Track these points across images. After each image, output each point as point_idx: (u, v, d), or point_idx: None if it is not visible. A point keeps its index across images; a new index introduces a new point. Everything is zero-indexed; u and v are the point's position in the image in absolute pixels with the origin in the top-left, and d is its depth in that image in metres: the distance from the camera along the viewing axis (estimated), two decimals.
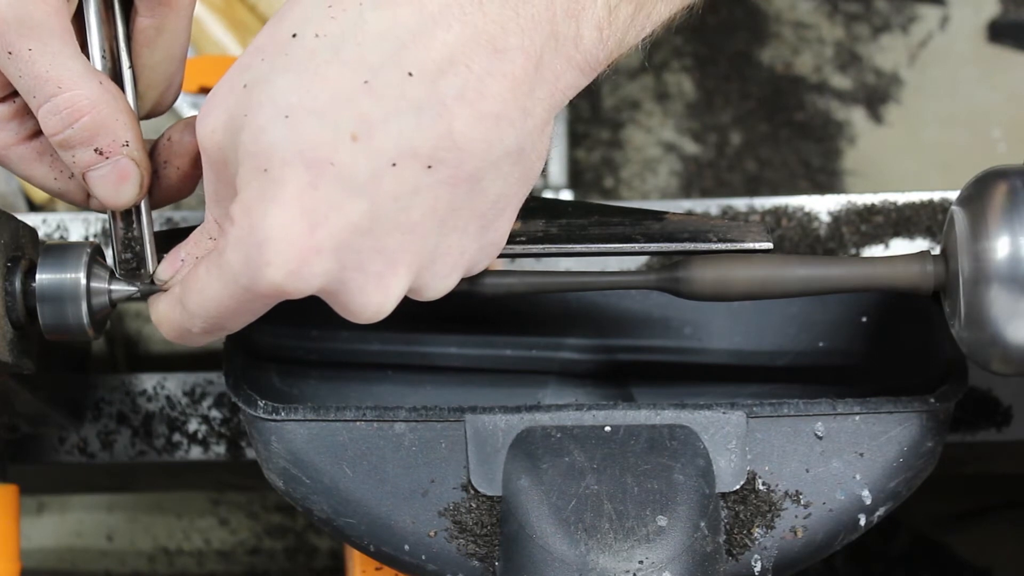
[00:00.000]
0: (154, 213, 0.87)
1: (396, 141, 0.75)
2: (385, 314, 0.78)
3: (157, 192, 0.87)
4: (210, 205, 0.81)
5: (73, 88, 0.81)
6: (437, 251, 0.79)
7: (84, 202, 0.88)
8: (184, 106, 1.38)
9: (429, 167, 0.75)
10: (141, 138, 0.84)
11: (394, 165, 0.75)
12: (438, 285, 0.80)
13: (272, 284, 0.75)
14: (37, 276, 0.88)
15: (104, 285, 0.88)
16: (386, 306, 0.78)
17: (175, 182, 0.87)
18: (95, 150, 0.83)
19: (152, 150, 0.86)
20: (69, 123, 0.82)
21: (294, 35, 0.76)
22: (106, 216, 1.15)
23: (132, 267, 0.87)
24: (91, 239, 1.17)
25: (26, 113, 0.85)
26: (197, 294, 0.80)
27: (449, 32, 0.75)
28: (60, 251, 0.88)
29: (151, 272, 0.86)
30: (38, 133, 0.85)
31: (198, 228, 0.84)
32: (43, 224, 1.17)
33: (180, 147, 0.86)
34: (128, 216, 0.86)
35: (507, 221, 0.81)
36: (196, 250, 0.84)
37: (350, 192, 0.74)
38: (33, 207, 1.48)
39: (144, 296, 0.87)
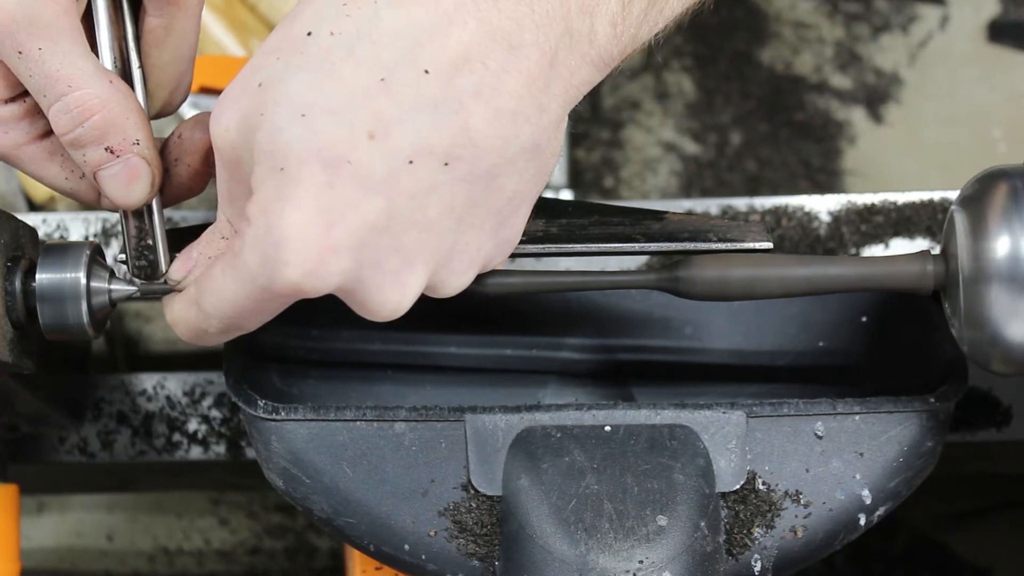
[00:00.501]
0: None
1: (413, 139, 0.75)
2: (402, 312, 0.78)
3: (168, 190, 0.87)
4: (223, 204, 0.81)
5: (83, 87, 0.81)
6: (454, 248, 0.79)
7: (95, 201, 0.87)
8: (184, 106, 1.38)
9: (446, 164, 0.75)
10: (152, 136, 0.84)
11: (411, 163, 0.75)
12: (454, 282, 0.80)
13: (290, 284, 0.75)
14: (37, 276, 0.88)
15: (104, 285, 0.88)
16: (403, 304, 0.78)
17: (186, 180, 0.87)
18: (106, 149, 0.83)
19: (163, 148, 0.86)
20: (80, 122, 0.82)
21: (309, 34, 0.76)
22: (107, 216, 1.16)
23: (148, 273, 0.87)
24: (91, 239, 1.17)
25: (37, 113, 0.85)
26: (213, 295, 0.80)
27: (464, 29, 0.75)
28: (60, 251, 0.88)
29: (164, 272, 0.86)
30: (49, 133, 0.85)
31: (210, 227, 0.84)
32: (43, 224, 1.17)
33: (191, 144, 0.86)
34: (139, 215, 0.86)
35: (522, 218, 0.81)
36: (208, 250, 0.84)
37: (367, 190, 0.74)
38: (33, 207, 1.48)
39: (144, 296, 0.87)
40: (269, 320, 0.81)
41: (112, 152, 0.83)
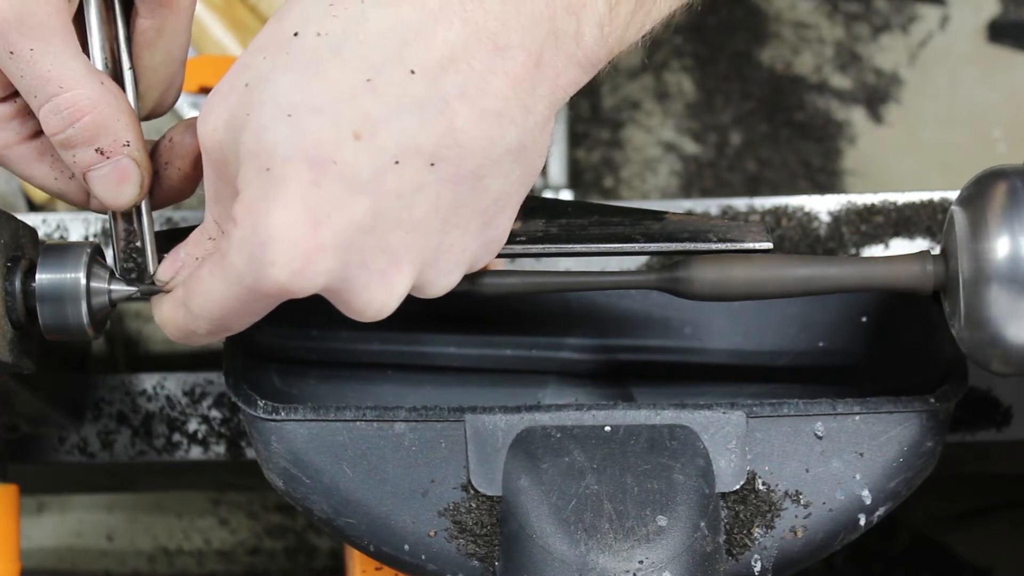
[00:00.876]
0: (154, 213, 0.87)
1: (398, 139, 0.75)
2: (388, 312, 0.79)
3: (158, 193, 0.87)
4: (210, 205, 0.81)
5: (74, 88, 0.81)
6: (440, 248, 0.79)
7: (84, 202, 0.88)
8: (184, 106, 1.38)
9: (432, 165, 0.75)
10: (142, 138, 0.84)
11: (397, 163, 0.75)
12: (441, 282, 0.81)
13: (276, 284, 0.75)
14: (37, 276, 0.88)
15: (104, 285, 0.88)
16: (389, 304, 0.78)
17: (176, 183, 0.87)
18: (96, 150, 0.83)
19: (153, 151, 0.86)
20: (70, 123, 0.82)
21: (295, 34, 0.76)
22: (107, 216, 1.16)
23: (135, 276, 0.87)
24: (91, 239, 1.17)
25: (27, 113, 0.85)
26: (200, 296, 0.80)
27: (450, 30, 0.75)
28: (60, 251, 0.88)
29: (152, 273, 0.86)
30: (39, 133, 0.85)
31: (198, 228, 0.84)
32: (43, 224, 1.17)
33: (181, 148, 0.86)
34: (128, 217, 0.86)
35: (508, 218, 0.81)
36: (196, 250, 0.84)
37: (353, 190, 0.74)
38: (33, 207, 1.48)
39: (144, 296, 0.87)
40: (259, 320, 0.81)
41: (102, 153, 0.83)
